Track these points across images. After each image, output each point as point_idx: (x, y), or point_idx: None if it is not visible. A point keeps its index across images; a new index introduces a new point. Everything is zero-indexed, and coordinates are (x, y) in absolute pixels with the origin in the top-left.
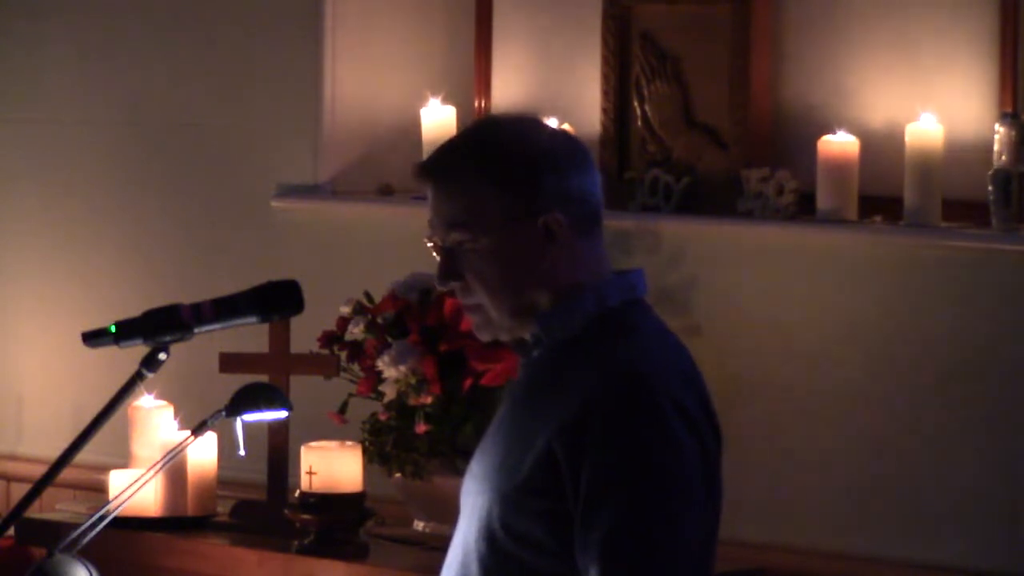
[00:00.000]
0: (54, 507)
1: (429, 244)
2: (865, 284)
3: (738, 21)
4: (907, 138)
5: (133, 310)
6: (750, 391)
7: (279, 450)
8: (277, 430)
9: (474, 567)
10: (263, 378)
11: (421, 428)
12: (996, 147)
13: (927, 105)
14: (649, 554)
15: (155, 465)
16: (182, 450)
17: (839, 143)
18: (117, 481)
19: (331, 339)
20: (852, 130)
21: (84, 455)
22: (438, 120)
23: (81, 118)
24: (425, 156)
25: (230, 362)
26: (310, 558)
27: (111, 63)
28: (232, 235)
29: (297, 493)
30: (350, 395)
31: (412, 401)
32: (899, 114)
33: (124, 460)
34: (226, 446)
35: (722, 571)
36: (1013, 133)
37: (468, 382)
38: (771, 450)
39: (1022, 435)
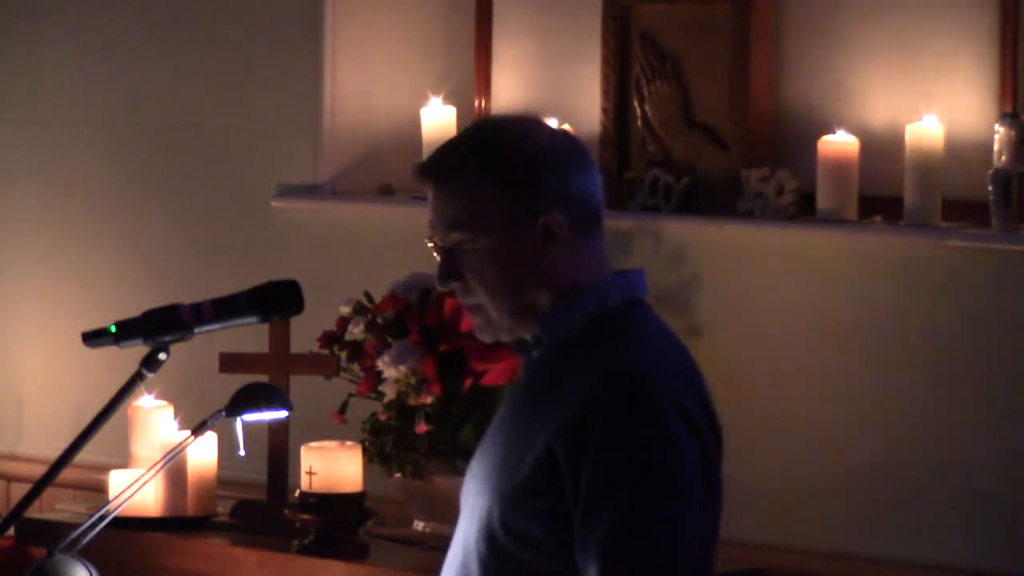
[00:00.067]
0: (54, 507)
1: (430, 244)
2: (865, 284)
3: (738, 21)
4: (907, 138)
5: (133, 310)
6: (750, 391)
7: (279, 450)
8: (277, 430)
9: (474, 567)
10: (263, 378)
11: (421, 428)
12: (996, 147)
13: (927, 105)
14: (649, 554)
15: (155, 465)
16: (182, 450)
17: (839, 143)
18: (117, 481)
19: (331, 339)
20: (852, 130)
21: (84, 455)
22: (438, 120)
23: (81, 118)
24: (425, 156)
25: (230, 362)
26: (310, 558)
27: (111, 63)
28: (232, 235)
29: (297, 493)
30: (350, 395)
31: (412, 401)
32: (899, 114)
33: (124, 460)
34: (226, 446)
35: (722, 571)
36: (1013, 133)
37: (468, 382)
38: (771, 450)
39: (1022, 435)
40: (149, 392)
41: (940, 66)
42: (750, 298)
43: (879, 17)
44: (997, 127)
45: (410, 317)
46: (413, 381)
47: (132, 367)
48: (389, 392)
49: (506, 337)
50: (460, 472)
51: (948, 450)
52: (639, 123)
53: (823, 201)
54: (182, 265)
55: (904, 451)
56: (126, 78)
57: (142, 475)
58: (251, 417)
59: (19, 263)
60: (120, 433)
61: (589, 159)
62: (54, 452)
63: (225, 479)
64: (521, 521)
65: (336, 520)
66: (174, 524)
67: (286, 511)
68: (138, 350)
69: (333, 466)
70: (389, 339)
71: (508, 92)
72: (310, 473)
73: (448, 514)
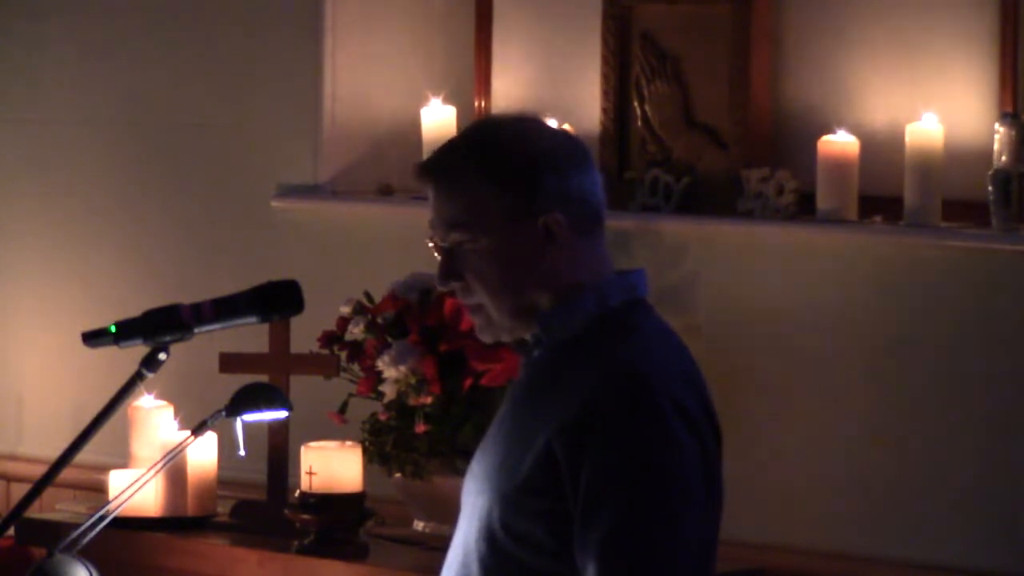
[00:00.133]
0: (54, 507)
1: (430, 244)
2: (865, 284)
3: (738, 21)
4: (907, 138)
5: (133, 310)
6: (750, 390)
7: (279, 450)
8: (277, 430)
9: (474, 567)
10: (263, 378)
11: (421, 428)
12: (996, 147)
13: (927, 105)
14: (649, 554)
15: (155, 465)
16: (182, 450)
17: (839, 143)
18: (117, 481)
19: (331, 339)
20: (852, 130)
21: (84, 455)
22: (438, 120)
23: (81, 118)
24: (425, 156)
25: (230, 362)
26: (310, 558)
27: (111, 63)
28: (232, 235)
29: (297, 493)
30: (350, 395)
31: (412, 401)
32: (899, 114)
33: (124, 460)
34: (226, 446)
35: (722, 571)
36: (1013, 133)
37: (468, 382)
38: (771, 450)
39: (1022, 435)
40: (149, 392)
41: (940, 66)
42: (750, 298)
43: (879, 17)
44: (997, 127)
45: (410, 317)
46: (413, 381)
47: (132, 367)
48: (389, 392)
49: (507, 337)
50: (460, 472)
51: (948, 450)
52: (639, 123)
53: (823, 201)
54: (182, 265)
55: (904, 451)
56: (126, 78)
57: (142, 475)
58: (251, 417)
59: (19, 263)
60: (120, 433)
61: (589, 159)
62: (54, 452)
63: (225, 479)
64: (521, 521)
65: (336, 520)
66: (174, 524)
67: (286, 511)
68: (138, 350)
69: (333, 466)
70: (389, 339)
71: (508, 92)
72: (310, 473)
73: (448, 514)
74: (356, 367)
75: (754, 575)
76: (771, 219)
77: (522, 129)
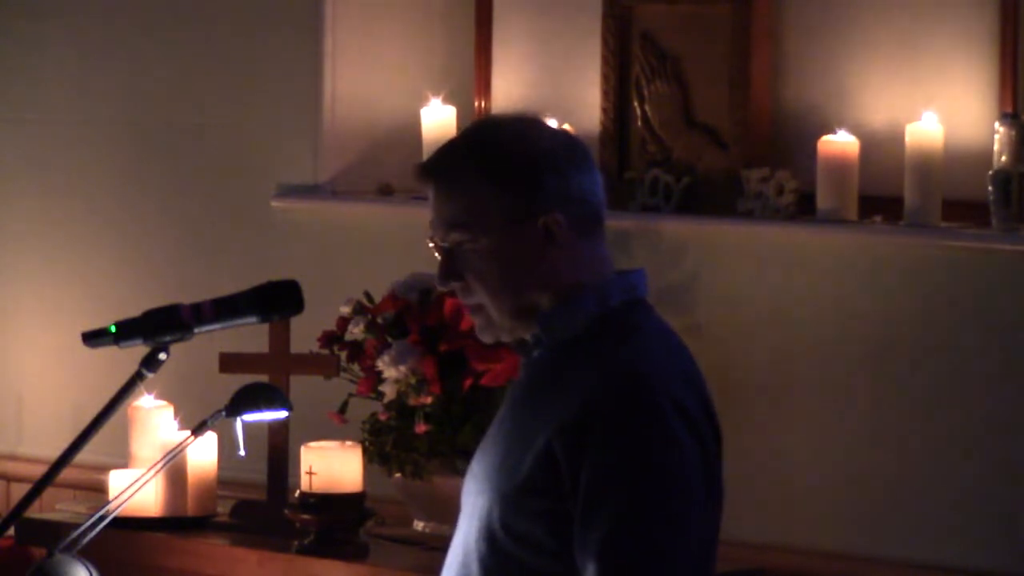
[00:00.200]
0: (54, 507)
1: (430, 244)
2: (865, 284)
3: (738, 21)
4: (907, 138)
5: (133, 310)
6: (750, 390)
7: (279, 450)
8: (277, 430)
9: (475, 567)
10: (263, 378)
11: (421, 428)
12: (996, 147)
13: (927, 105)
14: (649, 554)
15: (155, 465)
16: (182, 450)
17: (839, 143)
18: (117, 481)
19: (331, 339)
20: (852, 130)
21: (84, 455)
22: (438, 120)
23: (81, 118)
24: (425, 156)
25: (230, 362)
26: (310, 558)
27: (111, 63)
28: (232, 235)
29: (297, 493)
30: (350, 395)
31: (412, 401)
32: (899, 114)
33: (124, 460)
34: (226, 446)
35: (722, 571)
36: (1013, 133)
37: (468, 382)
38: (771, 450)
39: (1022, 435)
40: (149, 392)
41: (940, 66)
42: (750, 298)
43: (879, 17)
44: (997, 127)
45: (410, 317)
46: (413, 381)
47: (132, 367)
48: (389, 392)
49: (507, 337)
50: (460, 472)
51: (948, 450)
52: (639, 123)
53: (823, 201)
54: (182, 265)
55: (904, 451)
56: (126, 78)
57: (142, 475)
58: (251, 417)
59: (19, 263)
60: (120, 433)
61: (590, 159)
62: (54, 452)
63: (225, 479)
64: (521, 521)
65: (336, 520)
66: (174, 524)
67: (286, 511)
68: (138, 350)
69: (333, 466)
70: (389, 339)
71: (508, 92)
72: (310, 473)
73: (448, 514)
74: (356, 367)
75: (754, 575)
76: (771, 219)
77: (522, 129)
